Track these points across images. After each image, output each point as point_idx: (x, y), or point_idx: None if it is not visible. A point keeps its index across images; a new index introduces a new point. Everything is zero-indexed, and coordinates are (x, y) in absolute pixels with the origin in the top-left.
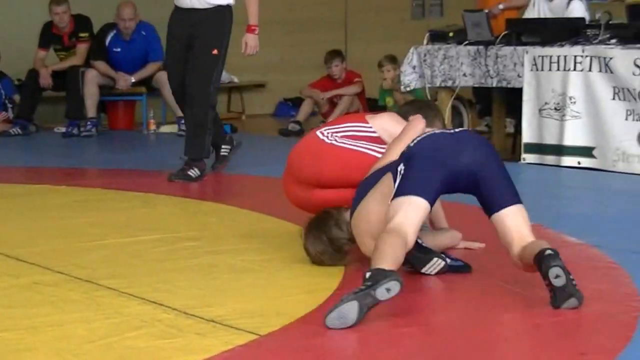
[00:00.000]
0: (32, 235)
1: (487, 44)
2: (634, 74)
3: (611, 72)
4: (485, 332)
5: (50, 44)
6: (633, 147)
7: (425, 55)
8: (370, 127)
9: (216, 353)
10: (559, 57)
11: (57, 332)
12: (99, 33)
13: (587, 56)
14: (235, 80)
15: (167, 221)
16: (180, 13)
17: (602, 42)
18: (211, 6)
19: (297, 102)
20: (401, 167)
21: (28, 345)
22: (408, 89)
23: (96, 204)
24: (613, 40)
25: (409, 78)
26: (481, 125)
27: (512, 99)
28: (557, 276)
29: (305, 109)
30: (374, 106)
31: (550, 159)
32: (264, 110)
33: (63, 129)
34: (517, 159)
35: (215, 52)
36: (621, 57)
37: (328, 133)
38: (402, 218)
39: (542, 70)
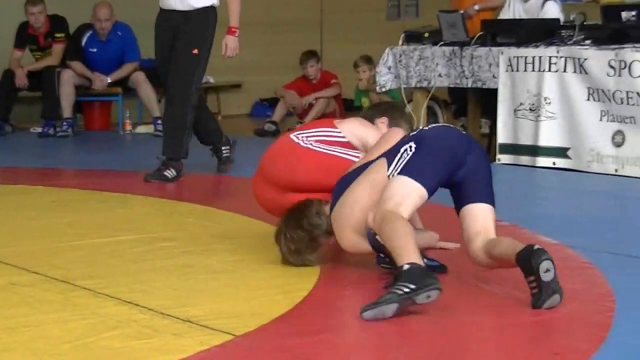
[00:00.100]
0: (8, 235)
1: (463, 44)
2: (608, 74)
3: (586, 73)
4: (461, 332)
5: (26, 44)
6: (607, 148)
7: (400, 55)
8: (340, 132)
9: (192, 353)
10: (533, 57)
11: (33, 333)
12: (75, 33)
13: (561, 57)
14: (212, 80)
15: (144, 222)
16: (164, 14)
17: (576, 43)
18: (193, 8)
19: (273, 103)
20: (411, 145)
21: (4, 346)
22: (384, 89)
23: (72, 205)
24: (588, 41)
25: (385, 78)
26: (456, 126)
27: (487, 99)
28: (547, 270)
29: (281, 109)
30: (350, 107)
31: (525, 159)
32: (240, 110)
33: (39, 129)
34: (492, 159)
35: (195, 51)
36: (596, 58)
37: (302, 137)
38: (408, 206)
39: (517, 70)
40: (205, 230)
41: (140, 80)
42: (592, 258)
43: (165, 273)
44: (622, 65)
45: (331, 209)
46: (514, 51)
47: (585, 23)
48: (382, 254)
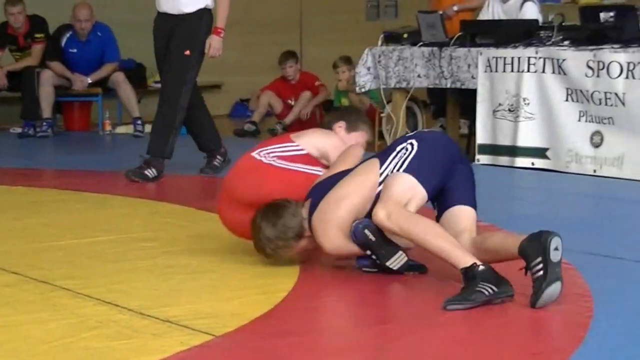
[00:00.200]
0: None
1: (442, 45)
2: (586, 75)
3: (564, 74)
4: (439, 333)
5: (5, 45)
6: (586, 148)
7: (379, 56)
8: (298, 146)
9: (172, 353)
10: (512, 58)
11: (12, 333)
12: (54, 34)
13: (540, 58)
14: None
15: (123, 222)
16: (160, 18)
17: (555, 43)
18: (184, 12)
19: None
20: (412, 143)
21: None
22: (363, 90)
23: (52, 205)
24: (566, 42)
25: (364, 79)
26: (435, 126)
27: (466, 100)
28: (556, 248)
29: (261, 109)
30: (330, 107)
31: (504, 159)
32: (220, 111)
33: (19, 130)
34: (472, 159)
35: (187, 53)
36: (574, 58)
37: (263, 154)
38: (413, 208)
39: (496, 71)
40: (185, 230)
41: (120, 81)
42: (571, 259)
43: (145, 273)
44: (601, 66)
45: (310, 213)
46: (492, 52)
47: (563, 24)
48: (368, 250)
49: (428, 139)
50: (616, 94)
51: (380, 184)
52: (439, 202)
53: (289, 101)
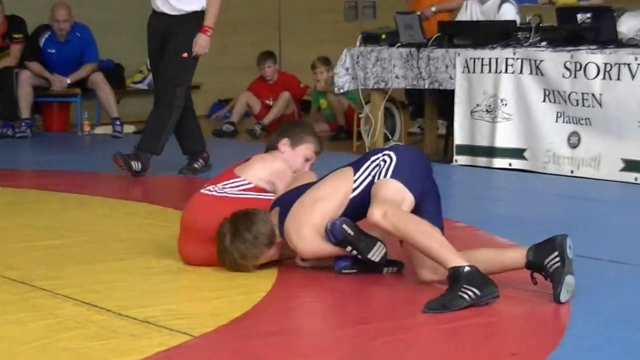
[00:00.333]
0: None
1: (420, 46)
2: (564, 76)
3: (542, 75)
4: (417, 332)
5: None
6: (563, 149)
7: (358, 57)
8: (245, 180)
9: (150, 354)
10: (490, 59)
11: None
12: (33, 34)
13: (518, 59)
14: None
15: (102, 222)
16: (156, 16)
17: (532, 44)
18: (183, 12)
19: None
20: (390, 155)
21: None
22: (341, 90)
23: (30, 205)
24: (543, 43)
25: (343, 80)
26: (414, 127)
27: (444, 100)
28: (570, 246)
29: (239, 110)
30: (308, 108)
31: (481, 160)
32: (199, 111)
33: None
34: (449, 160)
35: (185, 55)
36: (551, 59)
37: (214, 189)
38: (405, 210)
39: (474, 72)
40: (164, 231)
41: (99, 81)
42: None
43: (124, 274)
44: (578, 67)
45: (281, 221)
46: (470, 53)
47: (541, 25)
48: (348, 245)
49: (405, 151)
50: (593, 95)
51: (354, 189)
52: None
53: (267, 101)
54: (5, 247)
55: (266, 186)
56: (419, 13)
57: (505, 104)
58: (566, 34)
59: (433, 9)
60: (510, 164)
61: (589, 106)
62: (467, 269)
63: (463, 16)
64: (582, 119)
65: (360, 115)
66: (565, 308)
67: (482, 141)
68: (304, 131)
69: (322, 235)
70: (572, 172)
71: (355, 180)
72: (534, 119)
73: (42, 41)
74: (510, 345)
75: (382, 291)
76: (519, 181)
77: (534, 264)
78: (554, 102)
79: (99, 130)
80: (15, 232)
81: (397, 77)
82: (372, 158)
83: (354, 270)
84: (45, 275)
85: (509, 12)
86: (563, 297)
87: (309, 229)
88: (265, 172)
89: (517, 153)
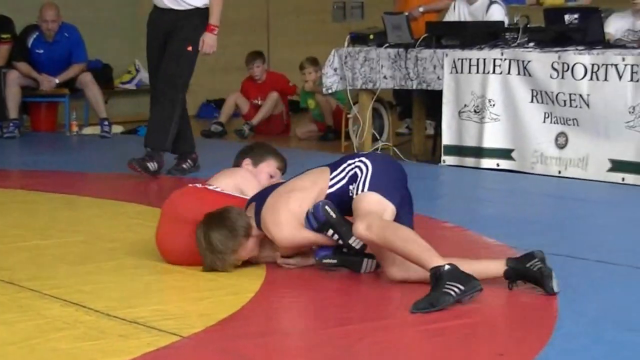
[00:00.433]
0: None
1: (407, 46)
2: (551, 77)
3: (529, 75)
4: (404, 332)
5: None
6: (551, 149)
7: (346, 57)
8: (217, 187)
9: (139, 354)
10: (478, 60)
11: None
12: (21, 34)
13: (506, 59)
14: None
15: (90, 223)
16: (158, 13)
17: (520, 45)
18: (188, 7)
19: (220, 104)
20: (366, 162)
21: None
22: (330, 91)
23: (18, 206)
24: (531, 44)
25: (331, 80)
26: (402, 127)
27: (432, 101)
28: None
29: (227, 110)
30: (297, 108)
31: (469, 161)
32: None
33: None
34: (437, 161)
35: (189, 48)
36: (539, 60)
37: (194, 185)
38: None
39: (462, 72)
40: (152, 231)
41: (88, 81)
42: None
43: (112, 274)
44: (565, 67)
45: (257, 213)
46: (458, 53)
47: (528, 26)
48: (330, 229)
49: (381, 161)
50: (580, 96)
51: (330, 187)
52: None
53: (256, 101)
54: None
55: (235, 193)
56: (406, 13)
57: (493, 105)
58: (554, 34)
59: (421, 9)
60: (498, 165)
61: (576, 107)
62: (447, 267)
63: (451, 17)
64: (570, 120)
65: (349, 116)
66: (553, 308)
67: (470, 142)
68: (263, 149)
69: (300, 223)
70: (559, 172)
71: (331, 179)
72: (522, 119)
73: (30, 41)
74: (497, 345)
75: (370, 291)
76: (507, 181)
77: (516, 270)
78: (542, 102)
79: (87, 130)
80: (3, 233)
81: (385, 77)
82: (349, 161)
83: (334, 261)
84: (33, 276)
85: (498, 13)
86: (556, 287)
87: (286, 215)
88: (233, 180)
89: (505, 153)
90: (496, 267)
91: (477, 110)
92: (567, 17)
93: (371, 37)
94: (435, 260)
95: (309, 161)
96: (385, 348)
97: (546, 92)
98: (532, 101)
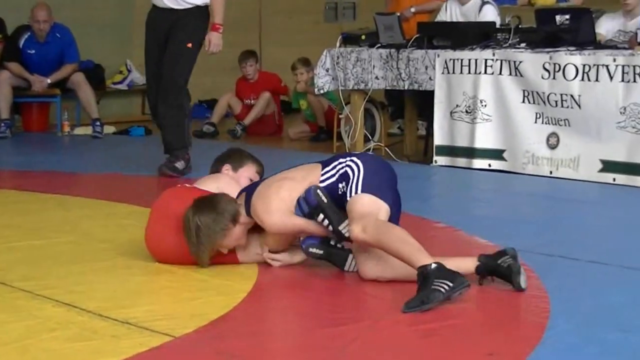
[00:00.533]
0: None
1: (399, 47)
2: (542, 77)
3: (521, 76)
4: (396, 332)
5: None
6: (542, 150)
7: (338, 58)
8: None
9: (131, 355)
10: (469, 60)
11: None
12: (12, 34)
13: (497, 60)
14: None
15: (82, 223)
16: (158, 12)
17: (511, 46)
18: (189, 6)
19: (212, 104)
20: (357, 162)
21: None
22: (322, 91)
23: (10, 206)
24: (522, 44)
25: (323, 81)
26: (393, 128)
27: (423, 101)
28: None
29: (220, 110)
30: (288, 109)
31: (461, 161)
32: None
33: None
34: (429, 161)
35: (189, 45)
36: (530, 60)
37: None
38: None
39: (453, 73)
40: (144, 231)
41: (80, 81)
42: (527, 259)
43: (104, 274)
44: (557, 68)
45: (247, 202)
46: (450, 54)
47: (520, 26)
48: (321, 213)
49: (372, 161)
50: (572, 96)
51: (321, 182)
52: None
53: (248, 101)
54: None
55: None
56: (398, 14)
57: (485, 105)
58: (545, 35)
59: (412, 9)
60: (489, 165)
61: (567, 107)
62: (433, 265)
63: (443, 17)
64: (561, 120)
65: (341, 116)
66: (545, 308)
67: (462, 142)
68: (242, 155)
69: (290, 210)
70: (551, 172)
71: (322, 175)
72: (513, 119)
73: (21, 42)
74: (488, 345)
75: (362, 292)
76: (498, 182)
77: (487, 265)
78: (533, 103)
79: (79, 130)
80: None
81: (377, 78)
82: (340, 160)
83: (320, 252)
84: (25, 276)
85: (491, 13)
86: (523, 283)
87: (276, 202)
88: (216, 184)
89: (497, 154)
90: (469, 263)
91: (469, 111)
92: (558, 17)
93: (363, 37)
94: (424, 259)
95: (301, 162)
96: (377, 348)
97: (537, 93)
98: (523, 101)
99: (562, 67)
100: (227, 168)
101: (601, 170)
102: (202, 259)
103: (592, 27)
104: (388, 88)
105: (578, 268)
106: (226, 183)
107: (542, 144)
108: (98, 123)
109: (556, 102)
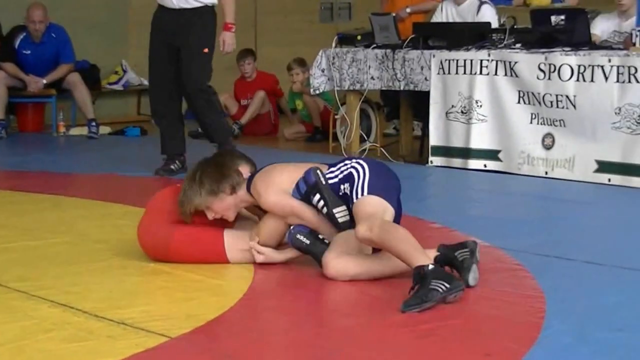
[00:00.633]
0: None
1: (395, 47)
2: (538, 78)
3: (516, 76)
4: (391, 332)
5: None
6: (537, 150)
7: (333, 58)
8: None
9: (127, 355)
10: (465, 61)
11: None
12: (8, 35)
13: (492, 60)
14: (146, 82)
15: (77, 224)
16: (165, 12)
17: (507, 46)
18: (198, 5)
19: None
20: (362, 164)
21: None
22: (317, 92)
23: (5, 207)
24: (518, 45)
25: (318, 81)
26: (389, 128)
27: (419, 102)
28: (478, 252)
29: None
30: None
31: (457, 161)
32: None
33: None
34: (425, 161)
35: (206, 50)
36: (526, 61)
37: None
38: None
39: (449, 73)
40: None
41: (76, 82)
42: (523, 259)
43: (99, 275)
44: (552, 68)
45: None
46: (445, 54)
47: (515, 27)
48: (317, 193)
49: (376, 165)
50: (567, 97)
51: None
52: None
53: (244, 102)
54: None
55: None
56: (394, 14)
57: (480, 106)
58: (540, 35)
59: (408, 10)
60: (485, 165)
61: (563, 107)
62: (431, 266)
63: (438, 17)
64: (556, 121)
65: (336, 117)
66: (540, 308)
67: (457, 142)
68: (234, 155)
69: (289, 192)
70: (546, 173)
71: (327, 173)
72: (509, 120)
73: (17, 42)
74: (484, 345)
75: (358, 291)
76: (494, 182)
77: (445, 255)
78: (529, 103)
79: (75, 131)
80: None
81: (372, 78)
82: (346, 162)
83: (307, 241)
84: (21, 277)
85: (489, 13)
86: (472, 281)
87: (277, 180)
88: None
89: (492, 154)
90: (431, 254)
91: (465, 111)
92: (553, 18)
93: (359, 38)
94: (422, 259)
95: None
96: (374, 348)
97: (533, 93)
98: (519, 102)
99: (557, 68)
100: None
101: (596, 171)
102: (186, 209)
103: (587, 28)
104: (384, 88)
105: (573, 268)
106: None
107: (537, 144)
108: (94, 123)
109: (551, 102)
